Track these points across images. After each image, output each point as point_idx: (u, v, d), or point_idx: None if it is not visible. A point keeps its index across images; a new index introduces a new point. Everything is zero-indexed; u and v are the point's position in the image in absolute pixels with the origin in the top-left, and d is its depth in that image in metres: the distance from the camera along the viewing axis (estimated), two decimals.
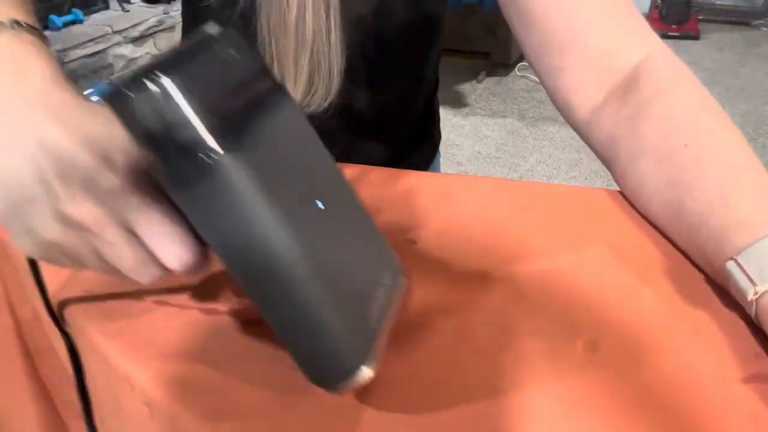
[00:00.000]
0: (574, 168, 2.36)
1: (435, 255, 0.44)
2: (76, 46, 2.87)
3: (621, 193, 0.49)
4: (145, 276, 0.31)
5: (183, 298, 0.40)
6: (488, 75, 3.16)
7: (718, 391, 0.33)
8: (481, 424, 0.32)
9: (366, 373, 0.29)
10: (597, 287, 0.40)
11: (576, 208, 0.48)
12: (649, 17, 3.79)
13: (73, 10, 3.03)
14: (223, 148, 0.25)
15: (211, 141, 0.25)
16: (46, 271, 0.44)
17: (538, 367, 0.35)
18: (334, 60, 0.53)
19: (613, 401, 0.32)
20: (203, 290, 0.41)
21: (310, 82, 0.53)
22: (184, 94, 0.25)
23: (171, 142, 0.26)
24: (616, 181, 0.48)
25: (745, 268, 0.34)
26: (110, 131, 0.30)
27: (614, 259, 0.43)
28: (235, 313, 0.39)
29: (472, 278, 0.41)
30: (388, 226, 0.47)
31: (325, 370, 0.30)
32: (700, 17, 3.79)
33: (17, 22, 0.33)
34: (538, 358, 0.35)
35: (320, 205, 0.30)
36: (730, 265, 0.35)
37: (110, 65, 3.09)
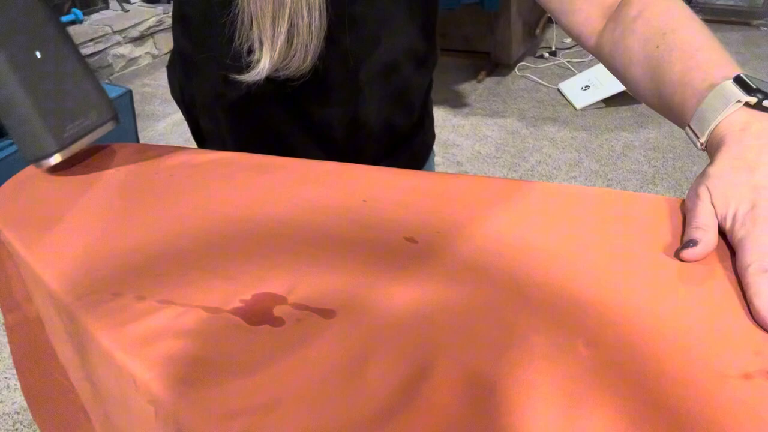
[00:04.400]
0: (574, 168, 2.36)
1: (435, 254, 0.44)
2: None
3: (621, 192, 0.50)
4: None
5: (187, 298, 0.40)
6: (488, 75, 3.16)
7: (717, 388, 0.33)
8: (483, 422, 0.32)
9: (55, 159, 0.53)
10: (597, 285, 0.40)
11: (577, 207, 0.49)
12: None
13: (73, 10, 3.03)
14: None
15: None
16: (49, 268, 0.44)
17: (540, 365, 0.35)
18: (314, 24, 0.53)
19: (614, 398, 0.33)
20: (207, 289, 0.41)
21: (289, 45, 0.54)
22: None
23: None
24: (629, 91, 0.59)
25: (694, 128, 0.48)
26: None
27: (615, 257, 0.43)
28: (239, 312, 0.39)
29: (473, 277, 0.41)
30: (388, 226, 0.47)
31: (33, 151, 0.53)
32: (700, 17, 3.79)
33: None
34: (540, 356, 0.35)
35: (38, 54, 0.52)
36: (686, 130, 0.49)
37: (110, 65, 3.09)
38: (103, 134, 0.57)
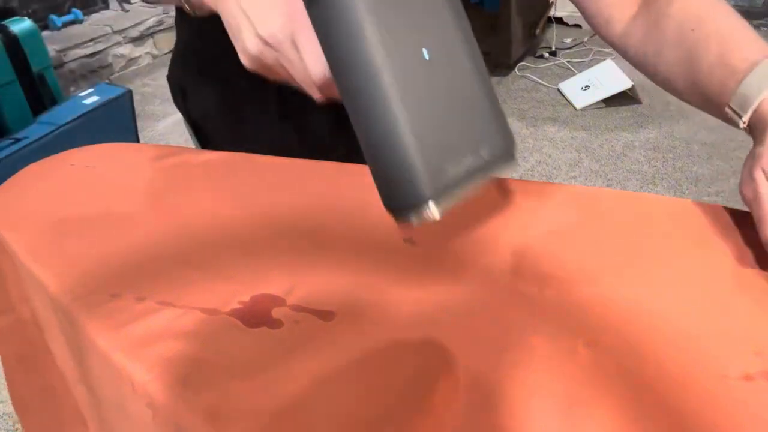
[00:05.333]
0: (574, 168, 2.36)
1: (435, 255, 0.44)
2: (76, 46, 2.87)
3: (621, 192, 0.50)
4: (310, 89, 0.42)
5: (186, 299, 0.40)
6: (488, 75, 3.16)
7: (717, 389, 0.33)
8: (483, 422, 0.32)
9: (433, 210, 0.33)
10: (598, 285, 0.40)
11: (576, 207, 0.48)
12: None
13: (73, 10, 3.03)
14: None
15: None
16: (48, 269, 0.44)
17: (540, 365, 0.35)
18: None
19: (614, 399, 0.32)
20: (206, 291, 0.41)
21: None
22: None
23: None
24: (652, 79, 0.58)
25: (734, 107, 0.47)
26: None
27: (615, 257, 0.43)
28: (237, 314, 0.39)
29: (473, 277, 0.41)
30: (388, 226, 0.47)
31: (397, 194, 0.35)
32: None
33: None
34: (539, 356, 0.35)
35: (426, 54, 0.34)
36: (727, 109, 0.47)
37: (110, 65, 3.09)
38: (492, 177, 0.37)
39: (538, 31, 3.26)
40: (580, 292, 0.40)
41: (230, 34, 0.44)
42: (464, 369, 0.35)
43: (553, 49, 3.24)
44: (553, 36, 3.26)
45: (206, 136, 0.77)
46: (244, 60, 0.44)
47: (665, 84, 0.56)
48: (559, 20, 3.29)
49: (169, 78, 0.78)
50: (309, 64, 0.40)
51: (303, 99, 0.64)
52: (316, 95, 0.43)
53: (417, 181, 0.34)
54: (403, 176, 0.34)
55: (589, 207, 0.48)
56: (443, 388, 0.34)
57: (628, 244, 0.44)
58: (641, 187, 2.21)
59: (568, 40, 3.32)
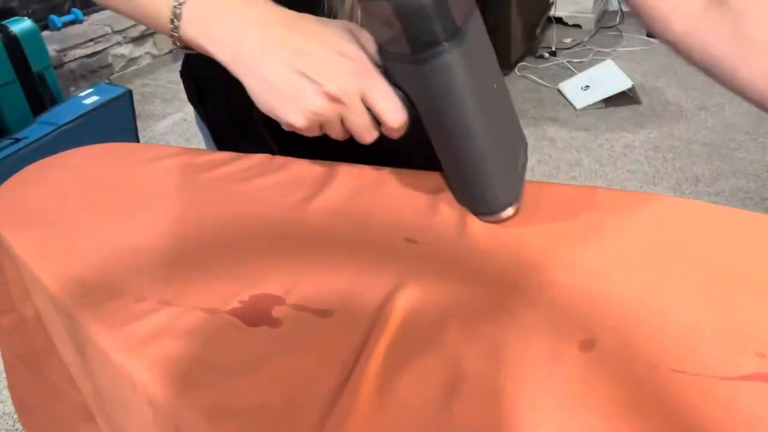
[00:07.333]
0: (574, 168, 2.36)
1: (435, 254, 0.44)
2: (76, 46, 2.87)
3: (620, 192, 0.49)
4: (368, 136, 0.45)
5: (186, 299, 0.40)
6: None
7: (717, 389, 0.33)
8: (481, 421, 0.32)
9: (513, 210, 0.46)
10: (595, 286, 0.40)
11: (576, 207, 0.48)
12: None
13: (73, 9, 3.03)
14: (451, 42, 0.40)
15: (445, 35, 0.39)
16: (49, 269, 0.44)
17: (539, 365, 0.35)
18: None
19: (613, 399, 0.32)
20: (206, 290, 0.41)
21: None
22: None
23: (422, 29, 0.39)
24: (723, 82, 0.52)
25: None
26: (342, 28, 0.44)
27: (613, 258, 0.43)
28: (237, 313, 0.39)
29: (472, 277, 0.41)
30: (388, 226, 0.47)
31: (485, 207, 0.46)
32: None
33: None
34: (539, 356, 0.35)
35: (495, 85, 0.45)
36: None
37: (110, 65, 3.08)
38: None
39: (538, 31, 3.26)
40: (579, 291, 0.40)
41: (277, 100, 0.44)
42: (464, 368, 0.35)
43: (553, 49, 3.24)
44: (553, 36, 3.26)
45: (220, 131, 0.76)
46: (298, 122, 0.44)
47: (747, 87, 0.51)
48: (559, 20, 3.29)
49: (183, 73, 0.78)
50: (389, 113, 0.43)
51: None
52: (369, 139, 0.45)
53: (503, 189, 0.45)
54: (492, 187, 0.45)
55: (591, 207, 0.48)
56: (442, 388, 0.34)
57: (628, 243, 0.44)
58: (641, 187, 2.21)
59: (568, 40, 3.32)
